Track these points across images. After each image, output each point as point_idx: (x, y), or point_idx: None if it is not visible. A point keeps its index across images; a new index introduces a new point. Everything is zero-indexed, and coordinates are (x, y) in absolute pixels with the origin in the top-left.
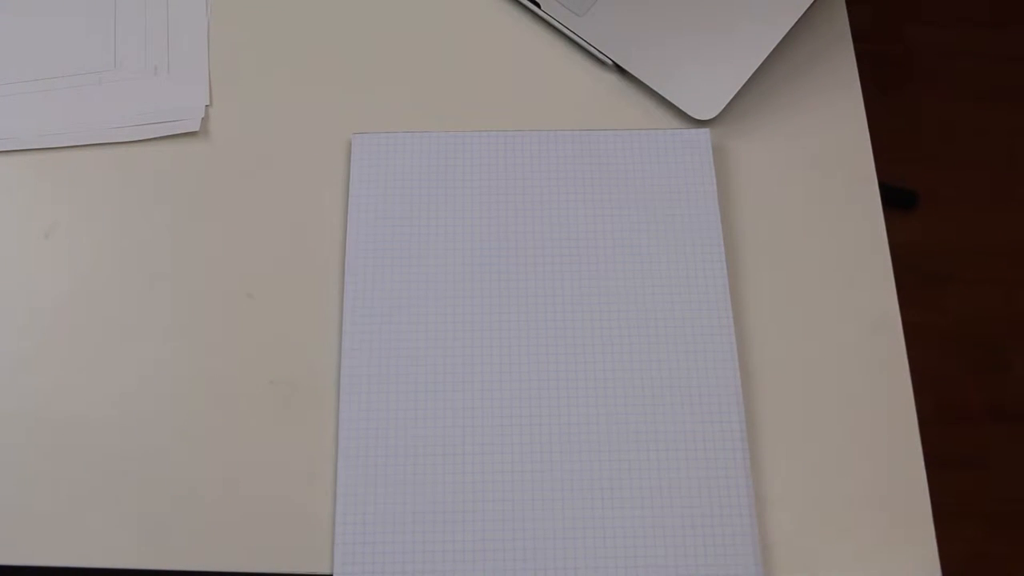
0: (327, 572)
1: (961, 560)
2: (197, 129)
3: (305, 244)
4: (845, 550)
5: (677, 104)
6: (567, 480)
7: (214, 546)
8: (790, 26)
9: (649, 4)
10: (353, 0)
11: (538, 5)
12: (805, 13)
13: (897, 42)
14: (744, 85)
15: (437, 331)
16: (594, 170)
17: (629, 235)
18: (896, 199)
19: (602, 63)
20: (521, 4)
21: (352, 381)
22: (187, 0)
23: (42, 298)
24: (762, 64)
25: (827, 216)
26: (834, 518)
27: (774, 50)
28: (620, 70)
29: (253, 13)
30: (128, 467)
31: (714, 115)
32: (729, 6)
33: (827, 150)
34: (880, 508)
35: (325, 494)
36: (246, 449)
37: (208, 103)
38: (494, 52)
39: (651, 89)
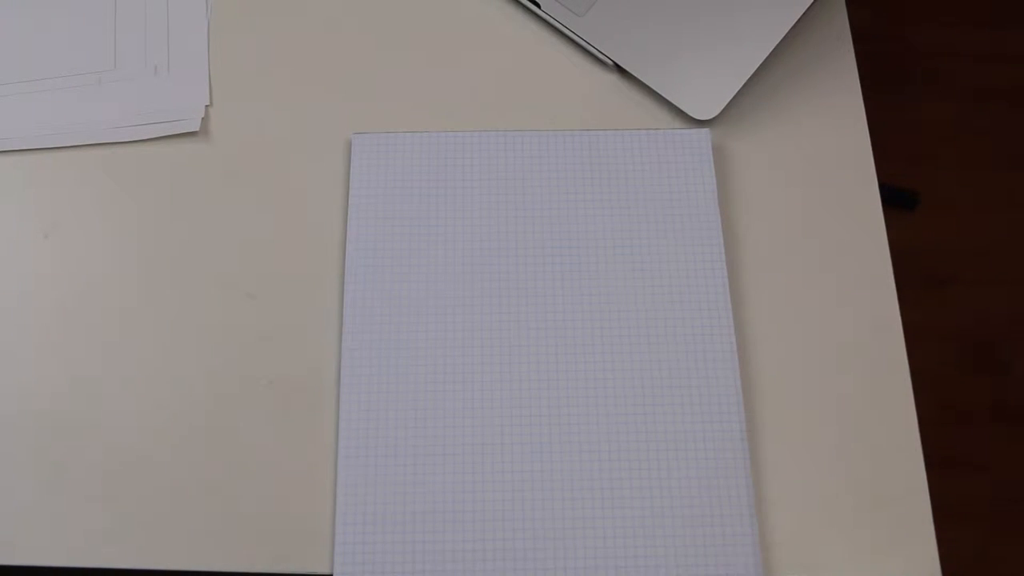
0: (327, 572)
1: (961, 560)
2: (197, 129)
3: (305, 244)
4: (845, 550)
5: (677, 104)
6: (567, 480)
7: (214, 546)
8: (790, 26)
9: (649, 4)
10: (353, 0)
11: (538, 5)
12: (805, 13)
13: (897, 42)
14: (744, 85)
15: (437, 331)
16: (594, 170)
17: (629, 235)
18: (896, 199)
19: (602, 63)
20: (521, 4)
21: (352, 381)
22: (187, 0)
23: (42, 298)
24: (762, 64)
25: (827, 216)
26: (834, 518)
27: (774, 50)
28: (620, 70)
29: (253, 13)
30: (128, 467)
31: (714, 115)
32: (729, 6)
33: (827, 150)
34: (880, 508)
35: (325, 494)
36: (246, 449)
37: (208, 103)
38: (494, 52)
39: (651, 89)
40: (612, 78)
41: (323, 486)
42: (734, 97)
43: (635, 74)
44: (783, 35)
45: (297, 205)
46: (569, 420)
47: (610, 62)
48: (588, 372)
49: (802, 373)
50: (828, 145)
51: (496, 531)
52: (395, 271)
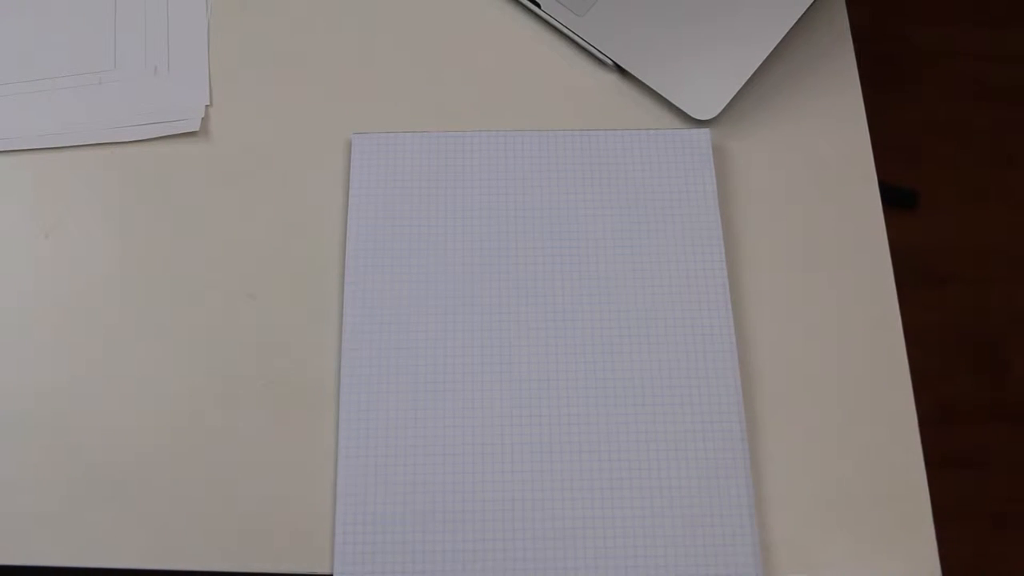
0: (327, 572)
1: (961, 560)
2: (197, 129)
3: (305, 244)
4: (845, 550)
5: (677, 104)
6: (567, 480)
7: (214, 546)
8: (790, 26)
9: (649, 4)
10: (353, 0)
11: (538, 5)
12: (805, 13)
13: (897, 42)
14: (744, 85)
15: (437, 331)
16: (594, 170)
17: (629, 235)
18: (896, 199)
19: (602, 63)
20: (521, 4)
21: (352, 381)
22: (187, 0)
23: (42, 298)
24: (762, 64)
25: (827, 216)
26: (834, 518)
27: (774, 50)
28: (620, 70)
29: (253, 13)
30: (128, 467)
31: (714, 115)
32: (729, 6)
33: (827, 150)
34: (880, 508)
35: (325, 494)
36: (246, 449)
37: (208, 103)
38: (494, 52)
39: (651, 89)
40: (612, 78)
41: (323, 486)
42: (734, 97)
43: (635, 74)
44: (783, 35)
45: (297, 205)
46: (569, 420)
47: (610, 62)
48: (588, 372)
49: (802, 373)
50: (828, 145)
51: (496, 531)
52: (395, 271)
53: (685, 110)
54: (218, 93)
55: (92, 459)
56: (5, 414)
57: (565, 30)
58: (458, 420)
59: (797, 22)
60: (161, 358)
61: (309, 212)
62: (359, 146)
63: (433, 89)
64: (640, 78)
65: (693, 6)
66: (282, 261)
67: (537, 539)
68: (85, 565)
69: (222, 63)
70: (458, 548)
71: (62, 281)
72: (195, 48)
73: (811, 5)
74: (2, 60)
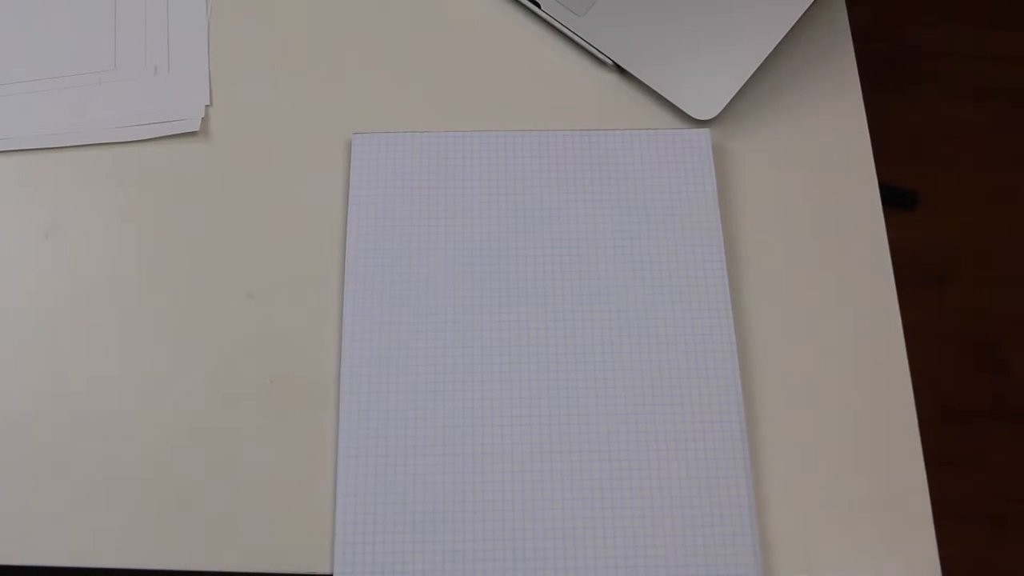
0: (327, 572)
1: (961, 560)
2: (197, 129)
3: (305, 244)
4: (845, 550)
5: (677, 104)
6: (567, 480)
7: (214, 546)
8: (790, 26)
9: (649, 4)
10: (353, 0)
11: (538, 5)
12: (805, 13)
13: (897, 42)
14: (744, 85)
15: (437, 331)
16: (594, 170)
17: (629, 235)
18: (896, 199)
19: (602, 63)
20: (521, 4)
21: (352, 381)
22: (187, 0)
23: (42, 298)
24: (762, 64)
25: (827, 216)
26: (834, 518)
27: (774, 50)
28: (620, 70)
29: (253, 13)
30: (128, 467)
31: (714, 115)
32: (729, 6)
33: (827, 150)
34: (880, 508)
35: (325, 494)
36: (246, 449)
37: (208, 103)
38: (494, 52)
39: (651, 89)
40: (612, 78)
41: (323, 486)
42: (734, 97)
43: (635, 74)
44: (783, 35)
45: (297, 205)
46: (569, 420)
47: (610, 62)
48: (588, 372)
49: (802, 373)
50: (828, 145)
51: (496, 531)
52: (395, 271)
53: (685, 110)
54: (218, 93)
55: (92, 459)
56: (5, 414)
57: (565, 30)
58: (458, 420)
59: (797, 22)
60: (161, 358)
61: (309, 212)
62: (359, 146)
63: (433, 89)
64: (640, 78)
65: (693, 6)
66: (282, 261)
67: (537, 539)
68: (85, 565)
69: (222, 63)
70: (458, 548)
71: (62, 281)
72: (195, 48)
73: (811, 5)
74: (2, 60)
